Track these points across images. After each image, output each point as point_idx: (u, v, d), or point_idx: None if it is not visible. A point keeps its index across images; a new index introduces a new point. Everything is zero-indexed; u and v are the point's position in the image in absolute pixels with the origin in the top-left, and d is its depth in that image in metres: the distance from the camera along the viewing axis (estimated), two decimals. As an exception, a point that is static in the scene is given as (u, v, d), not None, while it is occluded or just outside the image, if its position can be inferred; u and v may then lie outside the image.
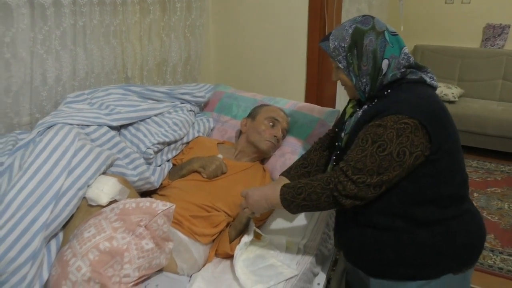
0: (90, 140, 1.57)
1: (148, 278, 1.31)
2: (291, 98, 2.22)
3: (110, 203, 1.38)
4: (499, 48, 4.56)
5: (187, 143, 1.98)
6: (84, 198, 1.40)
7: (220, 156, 1.83)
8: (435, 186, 1.22)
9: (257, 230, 1.56)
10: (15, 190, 1.25)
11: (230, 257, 1.52)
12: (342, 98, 2.66)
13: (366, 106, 1.31)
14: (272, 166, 1.93)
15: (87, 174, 1.40)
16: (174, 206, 1.29)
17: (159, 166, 1.83)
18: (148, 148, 1.74)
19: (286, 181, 1.57)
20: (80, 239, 1.21)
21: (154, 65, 2.24)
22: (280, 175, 1.63)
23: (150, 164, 1.77)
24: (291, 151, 1.92)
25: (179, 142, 1.92)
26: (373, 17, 1.28)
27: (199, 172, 1.76)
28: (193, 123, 2.04)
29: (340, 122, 1.48)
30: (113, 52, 1.97)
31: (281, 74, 2.54)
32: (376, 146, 1.16)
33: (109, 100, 1.76)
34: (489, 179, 3.66)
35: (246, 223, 1.58)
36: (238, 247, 1.48)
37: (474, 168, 3.86)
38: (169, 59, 2.29)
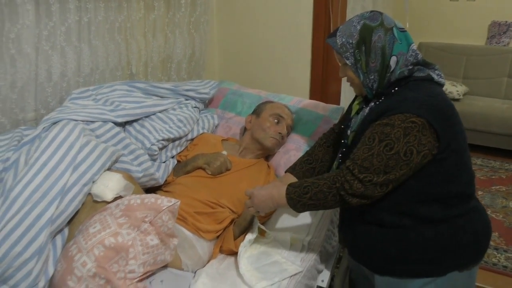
0: (95, 136, 1.57)
1: (153, 274, 1.32)
2: (295, 95, 2.21)
3: (115, 199, 1.38)
4: (504, 45, 4.53)
5: (192, 139, 1.98)
6: (89, 194, 1.40)
7: (224, 152, 1.83)
8: (442, 185, 1.21)
9: (262, 226, 1.56)
10: (21, 185, 1.25)
11: (234, 253, 1.52)
12: (346, 95, 2.65)
13: (373, 103, 1.30)
14: (277, 163, 1.93)
15: (92, 170, 1.40)
16: (179, 202, 1.29)
17: (164, 162, 1.83)
18: (153, 144, 1.74)
19: (291, 177, 1.57)
20: (85, 235, 1.21)
21: (159, 61, 2.24)
22: (285, 172, 1.62)
23: (154, 160, 1.77)
24: (296, 148, 1.92)
25: (184, 139, 1.92)
26: (381, 13, 1.27)
27: (203, 169, 1.76)
28: (198, 120, 2.04)
29: (346, 118, 1.47)
30: (117, 48, 1.97)
31: (285, 71, 2.53)
32: (383, 145, 1.16)
33: (114, 96, 1.76)
34: (493, 177, 3.65)
35: (251, 221, 1.58)
36: (242, 244, 1.48)
37: (478, 166, 3.85)
38: (174, 56, 2.29)
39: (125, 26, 1.99)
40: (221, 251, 1.59)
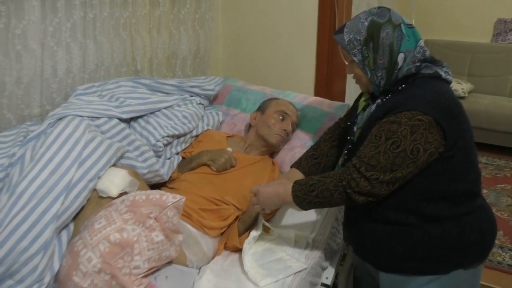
0: (101, 132, 1.57)
1: (158, 270, 1.32)
2: (300, 92, 2.21)
3: (120, 195, 1.38)
4: (510, 43, 4.50)
5: (196, 136, 1.98)
6: (95, 189, 1.40)
7: (229, 149, 1.83)
8: (449, 183, 1.21)
9: (266, 223, 1.56)
10: (27, 180, 1.26)
11: (239, 250, 1.52)
12: (351, 92, 2.64)
13: (379, 100, 1.29)
14: (281, 160, 1.93)
15: (97, 166, 1.40)
16: (184, 199, 1.29)
17: (169, 159, 1.83)
18: (158, 140, 1.74)
19: (297, 172, 1.57)
20: (90, 230, 1.21)
21: (164, 58, 2.24)
22: (291, 167, 1.63)
23: (159, 156, 1.78)
24: (301, 145, 1.92)
25: (188, 135, 1.92)
26: (389, 9, 1.26)
27: (208, 165, 1.76)
28: (203, 116, 2.04)
29: (352, 115, 1.46)
30: (122, 44, 1.97)
31: (290, 68, 2.53)
32: (389, 142, 1.15)
33: (119, 93, 1.77)
34: (498, 175, 3.63)
35: (255, 218, 1.57)
36: (246, 241, 1.48)
37: (483, 164, 3.83)
38: (179, 52, 2.29)
39: (130, 22, 1.99)
40: (225, 248, 1.59)
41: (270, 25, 2.52)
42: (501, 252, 2.61)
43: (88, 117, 1.56)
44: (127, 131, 1.67)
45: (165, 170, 1.76)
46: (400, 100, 1.20)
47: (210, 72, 2.57)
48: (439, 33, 4.81)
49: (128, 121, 1.76)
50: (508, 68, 4.40)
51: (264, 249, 1.53)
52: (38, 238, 1.21)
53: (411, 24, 1.26)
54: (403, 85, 1.24)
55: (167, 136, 1.78)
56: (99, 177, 1.41)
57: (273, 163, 1.91)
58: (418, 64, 1.23)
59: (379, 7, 1.28)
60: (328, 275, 1.62)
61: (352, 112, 1.49)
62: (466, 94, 4.33)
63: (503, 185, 3.45)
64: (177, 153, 1.90)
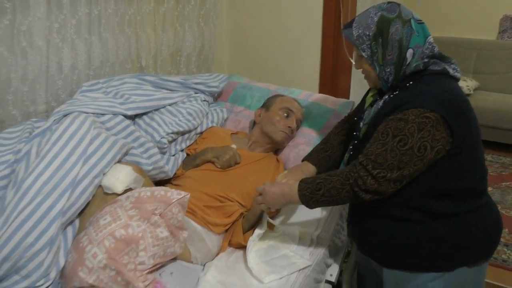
0: (105, 129, 1.58)
1: (163, 266, 1.33)
2: (305, 89, 2.20)
3: (126, 191, 1.39)
4: (516, 40, 4.47)
5: (201, 133, 1.98)
6: (100, 186, 1.41)
7: (233, 146, 1.83)
8: (455, 180, 1.20)
9: (271, 221, 1.56)
10: (33, 176, 1.26)
11: (243, 247, 1.52)
12: (356, 89, 2.63)
13: (387, 96, 1.28)
14: (286, 157, 1.93)
15: (102, 162, 1.40)
16: (188, 195, 1.29)
17: (173, 155, 1.83)
18: (162, 137, 1.74)
19: (308, 165, 1.58)
20: (96, 226, 1.22)
21: (168, 54, 2.24)
22: (302, 160, 1.64)
23: (164, 153, 1.78)
24: (305, 142, 1.92)
25: (193, 132, 1.92)
26: (398, 4, 1.25)
27: (212, 162, 1.76)
28: (207, 113, 2.04)
29: (360, 110, 1.46)
30: (127, 41, 1.98)
31: (295, 64, 2.52)
32: (397, 140, 1.14)
33: (124, 89, 1.77)
34: (504, 173, 3.61)
35: (260, 215, 1.57)
36: (251, 238, 1.48)
37: (488, 162, 3.81)
38: (183, 49, 2.29)
39: (135, 19, 1.99)
40: (230, 245, 1.60)
41: (275, 22, 2.52)
42: (506, 250, 2.60)
43: (93, 113, 1.57)
44: (132, 127, 1.67)
45: (170, 167, 1.76)
46: (407, 97, 1.19)
47: (215, 69, 2.57)
48: (444, 30, 4.78)
49: (133, 118, 1.76)
50: (514, 66, 4.37)
51: (269, 246, 1.54)
52: (44, 234, 1.21)
53: (421, 20, 1.25)
54: (411, 82, 1.23)
55: (172, 133, 1.78)
56: (104, 174, 1.41)
57: (277, 160, 1.91)
58: (426, 60, 1.23)
59: (388, 2, 1.26)
60: (333, 272, 1.62)
61: (361, 107, 1.48)
62: (471, 92, 4.30)
63: (508, 183, 3.43)
64: (182, 150, 1.90)
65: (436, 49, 1.25)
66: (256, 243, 1.50)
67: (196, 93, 2.04)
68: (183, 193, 1.28)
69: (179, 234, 1.30)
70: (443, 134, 1.13)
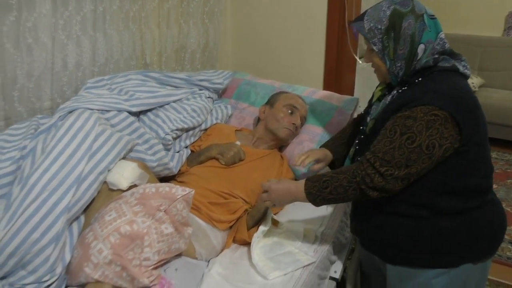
0: (110, 125, 1.58)
1: (168, 262, 1.33)
2: (309, 86, 2.20)
3: (130, 187, 1.39)
4: (522, 37, 4.44)
5: (205, 129, 1.99)
6: (105, 182, 1.41)
7: (238, 143, 1.83)
8: (462, 178, 1.20)
9: (275, 217, 1.56)
10: (38, 172, 1.27)
11: (247, 243, 1.52)
12: (361, 85, 2.63)
13: (395, 91, 1.27)
14: (290, 154, 1.93)
15: (107, 158, 1.41)
16: (193, 192, 1.30)
17: (178, 152, 1.84)
18: (167, 134, 1.75)
19: (326, 151, 1.60)
20: (101, 222, 1.22)
21: (173, 51, 2.24)
22: (320, 147, 1.65)
23: (168, 150, 1.78)
24: (309, 139, 1.91)
25: (197, 129, 1.93)
26: None
27: (217, 159, 1.76)
28: (211, 110, 2.04)
29: (368, 104, 1.45)
30: (132, 38, 1.98)
31: (299, 61, 2.52)
32: (405, 138, 1.14)
33: (129, 86, 1.77)
34: (509, 170, 3.60)
35: (264, 212, 1.57)
36: (255, 235, 1.48)
37: (493, 159, 3.79)
38: (188, 46, 2.29)
39: (139, 16, 1.99)
40: (234, 241, 1.60)
41: (279, 18, 2.51)
42: (510, 247, 2.59)
43: (98, 110, 1.57)
44: (137, 124, 1.67)
45: (174, 163, 1.77)
46: (416, 93, 1.18)
47: (219, 66, 2.57)
48: (449, 26, 4.73)
49: (137, 114, 1.76)
50: (519, 63, 4.34)
51: (273, 242, 1.54)
52: (50, 230, 1.22)
53: (433, 15, 1.23)
54: (420, 78, 1.22)
55: (176, 130, 1.78)
56: (109, 170, 1.42)
57: (281, 157, 1.91)
58: (436, 56, 1.21)
59: None
60: (337, 269, 1.62)
61: (371, 101, 1.47)
62: (477, 89, 4.28)
63: (513, 180, 3.42)
64: (186, 147, 1.91)
65: (447, 45, 1.23)
66: (260, 240, 1.50)
67: (200, 89, 2.04)
68: (187, 190, 1.28)
69: (183, 230, 1.30)
70: (451, 132, 1.13)
